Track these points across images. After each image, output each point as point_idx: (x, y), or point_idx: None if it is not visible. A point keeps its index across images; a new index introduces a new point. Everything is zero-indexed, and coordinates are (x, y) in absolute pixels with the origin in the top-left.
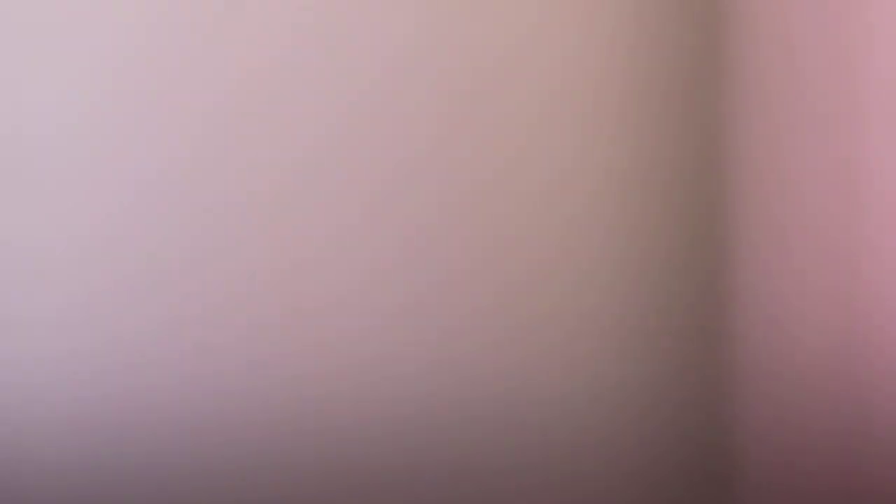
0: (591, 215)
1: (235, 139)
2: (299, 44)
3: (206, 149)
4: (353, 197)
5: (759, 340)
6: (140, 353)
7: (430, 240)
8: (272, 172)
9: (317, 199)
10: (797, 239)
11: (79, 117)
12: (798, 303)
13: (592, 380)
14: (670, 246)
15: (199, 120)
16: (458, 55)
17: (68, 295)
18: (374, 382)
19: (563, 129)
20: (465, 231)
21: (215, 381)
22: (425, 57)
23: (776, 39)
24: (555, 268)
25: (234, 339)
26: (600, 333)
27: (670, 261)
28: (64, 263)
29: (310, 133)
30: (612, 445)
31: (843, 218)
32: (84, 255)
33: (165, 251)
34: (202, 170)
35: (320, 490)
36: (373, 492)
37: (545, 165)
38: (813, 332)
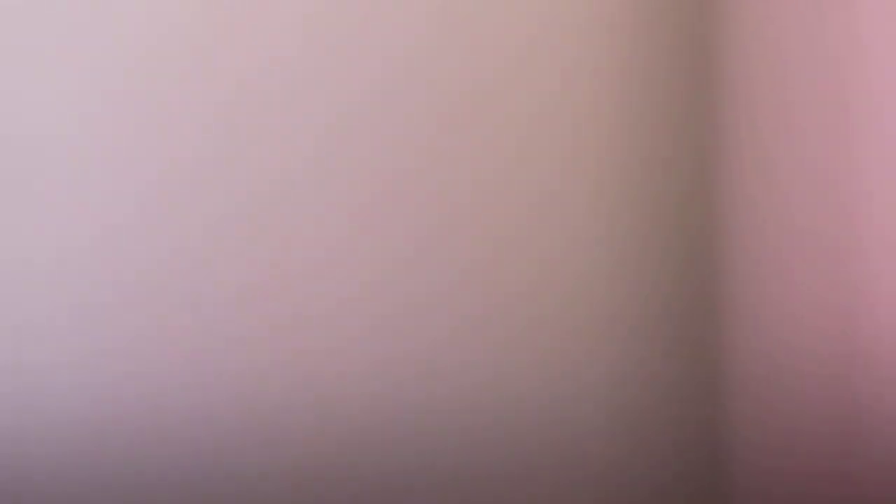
0: (584, 222)
1: (237, 142)
2: (303, 48)
3: (207, 151)
4: (351, 201)
5: (753, 346)
6: (143, 358)
7: (428, 243)
8: (268, 179)
9: (315, 202)
10: (790, 244)
11: (79, 120)
12: (791, 309)
13: (585, 384)
14: (664, 252)
15: (201, 121)
16: (456, 61)
17: (71, 300)
18: (377, 386)
19: (558, 134)
20: (460, 235)
21: (219, 387)
22: (424, 64)
23: (767, 47)
24: (549, 273)
25: (235, 343)
26: (593, 339)
27: (664, 267)
28: (66, 268)
29: (309, 136)
30: (607, 450)
31: (836, 223)
32: (86, 260)
33: (167, 255)
34: (204, 172)
35: (322, 493)
36: (380, 494)
37: (539, 172)
38: (806, 338)
